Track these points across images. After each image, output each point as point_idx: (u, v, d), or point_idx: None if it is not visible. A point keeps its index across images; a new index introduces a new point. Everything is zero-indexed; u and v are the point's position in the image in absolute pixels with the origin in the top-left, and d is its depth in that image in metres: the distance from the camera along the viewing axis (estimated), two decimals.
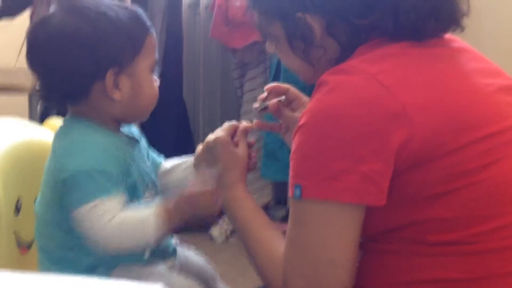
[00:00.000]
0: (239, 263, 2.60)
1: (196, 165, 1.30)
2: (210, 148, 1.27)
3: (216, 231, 2.93)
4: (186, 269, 1.35)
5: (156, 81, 1.27)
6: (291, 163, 1.07)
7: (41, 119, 2.37)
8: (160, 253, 1.29)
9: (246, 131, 1.29)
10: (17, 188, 1.32)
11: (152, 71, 1.25)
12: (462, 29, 1.14)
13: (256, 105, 1.33)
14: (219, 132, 1.28)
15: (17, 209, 1.31)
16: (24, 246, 1.34)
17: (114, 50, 1.19)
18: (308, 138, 1.05)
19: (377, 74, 1.04)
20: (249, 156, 1.27)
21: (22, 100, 2.96)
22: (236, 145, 1.26)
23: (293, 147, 1.07)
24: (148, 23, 1.25)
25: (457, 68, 1.11)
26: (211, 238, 2.90)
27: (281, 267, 1.11)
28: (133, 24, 1.22)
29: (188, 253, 1.41)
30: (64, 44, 1.18)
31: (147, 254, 1.26)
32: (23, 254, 1.34)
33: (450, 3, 1.12)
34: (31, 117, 2.81)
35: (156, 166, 1.37)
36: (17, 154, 1.33)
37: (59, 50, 1.19)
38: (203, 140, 1.38)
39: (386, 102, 1.02)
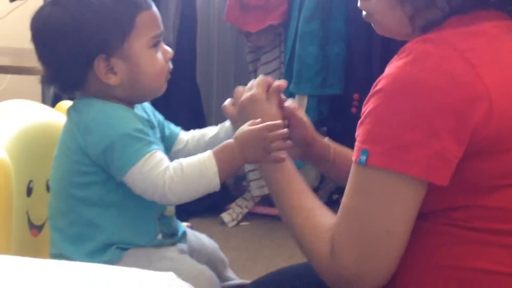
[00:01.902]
0: (249, 249, 2.59)
1: (234, 125, 1.26)
2: (244, 107, 1.23)
3: (227, 216, 2.92)
4: (197, 254, 1.35)
5: (167, 52, 1.26)
6: (359, 128, 1.02)
7: (54, 101, 2.37)
8: (170, 236, 1.29)
9: (279, 90, 1.26)
10: (29, 170, 1.32)
11: (153, 46, 1.23)
12: None
13: None
14: (254, 89, 1.24)
15: (29, 191, 1.32)
16: (35, 228, 1.34)
17: (98, 37, 1.18)
18: (383, 104, 0.99)
19: (465, 51, 0.98)
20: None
21: (35, 82, 2.95)
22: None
23: (364, 112, 1.02)
24: None
25: None
26: (222, 223, 2.90)
27: (327, 238, 1.06)
28: (119, 6, 1.20)
29: (200, 237, 1.41)
30: (51, 38, 1.20)
31: (160, 236, 1.26)
32: (34, 236, 1.34)
33: None
34: (44, 99, 2.81)
35: (173, 137, 1.37)
36: (29, 136, 1.33)
37: (48, 45, 1.21)
38: (216, 125, 1.37)
39: (471, 82, 0.96)
